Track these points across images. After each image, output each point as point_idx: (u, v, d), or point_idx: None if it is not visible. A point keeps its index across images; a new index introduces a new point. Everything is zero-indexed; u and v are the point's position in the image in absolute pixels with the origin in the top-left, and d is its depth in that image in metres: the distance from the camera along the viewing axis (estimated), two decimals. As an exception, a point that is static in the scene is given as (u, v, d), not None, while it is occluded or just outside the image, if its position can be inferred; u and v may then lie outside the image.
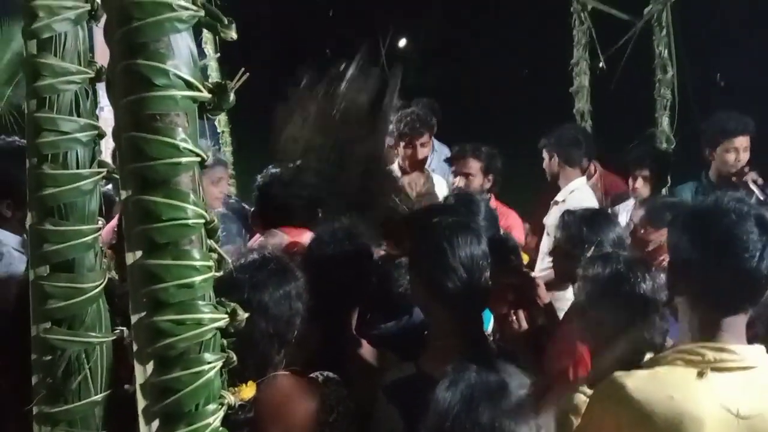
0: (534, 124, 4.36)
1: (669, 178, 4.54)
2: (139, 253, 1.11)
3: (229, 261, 1.23)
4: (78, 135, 1.23)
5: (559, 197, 3.99)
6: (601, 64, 4.94)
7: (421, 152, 3.73)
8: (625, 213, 4.03)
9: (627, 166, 3.98)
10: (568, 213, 2.58)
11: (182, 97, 1.10)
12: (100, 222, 1.27)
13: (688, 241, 1.52)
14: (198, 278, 1.12)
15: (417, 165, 3.76)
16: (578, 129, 4.11)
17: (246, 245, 2.80)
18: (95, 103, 1.31)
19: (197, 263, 1.12)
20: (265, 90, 3.34)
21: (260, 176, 2.65)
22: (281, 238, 2.46)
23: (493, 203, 3.42)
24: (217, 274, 1.19)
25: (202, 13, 1.14)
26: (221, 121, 6.15)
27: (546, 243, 3.95)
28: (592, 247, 2.15)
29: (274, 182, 2.55)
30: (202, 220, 1.14)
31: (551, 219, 3.94)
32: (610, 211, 4.06)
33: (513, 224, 3.51)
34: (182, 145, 1.10)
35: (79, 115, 1.24)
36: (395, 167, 3.80)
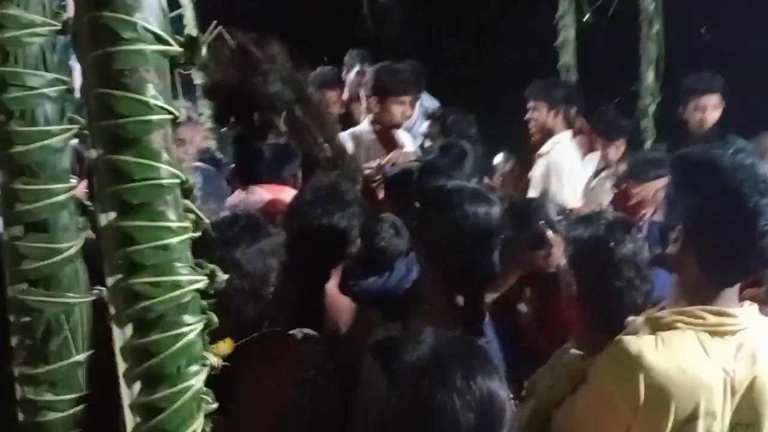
0: (519, 79, 4.31)
1: (653, 131, 4.56)
2: (112, 215, 1.08)
3: (207, 221, 1.20)
4: (45, 90, 1.18)
5: (543, 149, 3.99)
6: (587, 17, 4.87)
7: (400, 110, 3.51)
8: (591, 164, 4.06)
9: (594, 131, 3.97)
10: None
11: (151, 51, 1.06)
12: (73, 180, 1.24)
13: (703, 211, 1.46)
14: (174, 240, 1.09)
15: (395, 124, 3.57)
16: (566, 82, 4.08)
17: (224, 201, 2.77)
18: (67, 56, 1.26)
19: (173, 224, 1.09)
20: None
21: (236, 128, 2.59)
22: (260, 195, 2.42)
23: None
24: (195, 234, 1.16)
25: (170, -39, 1.09)
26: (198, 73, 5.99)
27: (532, 195, 3.96)
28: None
29: (251, 135, 2.49)
30: (177, 180, 1.11)
31: (537, 171, 3.95)
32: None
33: None
34: (153, 101, 1.06)
35: (46, 70, 1.19)
36: (366, 127, 3.64)
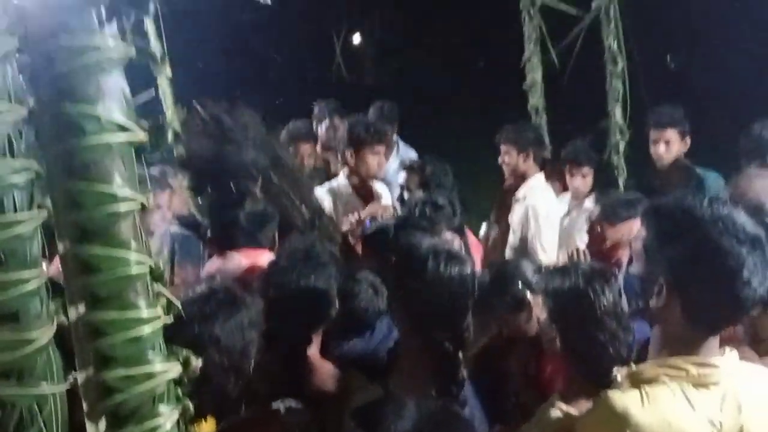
0: (492, 121, 4.39)
1: (624, 168, 4.63)
2: (81, 308, 1.06)
3: (178, 304, 1.18)
4: (13, 178, 1.17)
5: (519, 194, 4.03)
6: (551, 55, 4.97)
7: (375, 162, 3.58)
8: (564, 204, 4.11)
9: (563, 162, 4.03)
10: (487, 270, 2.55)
11: (116, 141, 1.06)
12: (43, 265, 1.22)
13: (686, 264, 1.46)
14: (146, 329, 1.08)
15: (371, 175, 3.62)
16: (535, 126, 4.16)
17: (203, 265, 2.75)
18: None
19: (144, 314, 1.08)
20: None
21: (213, 196, 2.59)
22: (238, 261, 2.40)
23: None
24: (167, 319, 1.15)
25: (133, 51, 1.09)
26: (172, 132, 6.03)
27: (512, 239, 4.00)
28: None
29: (228, 203, 2.49)
30: (147, 268, 1.10)
31: (515, 216, 3.99)
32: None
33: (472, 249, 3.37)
34: (119, 192, 1.05)
35: (13, 156, 1.18)
36: (342, 180, 3.69)
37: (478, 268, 3.19)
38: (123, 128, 1.07)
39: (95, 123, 1.04)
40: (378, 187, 3.82)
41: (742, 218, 1.46)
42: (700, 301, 1.48)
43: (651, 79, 5.08)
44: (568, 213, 4.05)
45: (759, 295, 1.45)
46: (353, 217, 3.21)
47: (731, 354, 1.53)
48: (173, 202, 3.30)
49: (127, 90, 1.11)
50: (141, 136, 1.10)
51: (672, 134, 3.85)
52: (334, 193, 3.64)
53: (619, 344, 1.77)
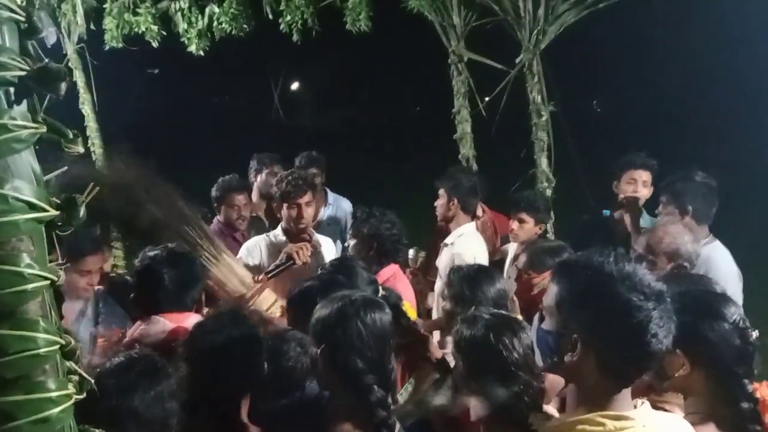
0: (425, 171, 4.47)
1: (552, 213, 4.78)
2: (-15, 391, 1.03)
3: (92, 381, 1.16)
4: None
5: (448, 240, 4.11)
6: (480, 108, 5.14)
7: (306, 212, 3.63)
8: (510, 252, 4.20)
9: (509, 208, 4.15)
10: (453, 271, 2.63)
11: (25, 220, 1.05)
12: None
13: (599, 320, 1.52)
14: (55, 410, 1.05)
15: (302, 226, 3.66)
16: (475, 177, 4.24)
17: (130, 324, 2.68)
18: None
19: (53, 394, 1.05)
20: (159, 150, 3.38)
21: (137, 260, 2.54)
22: (163, 325, 2.34)
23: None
24: (79, 397, 1.12)
25: (44, 129, 1.09)
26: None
27: (439, 285, 4.04)
28: (474, 306, 2.19)
29: (152, 266, 2.45)
30: (57, 346, 1.08)
31: (443, 261, 4.04)
32: (501, 256, 4.21)
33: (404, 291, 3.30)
34: (27, 271, 1.04)
35: None
36: (278, 232, 3.72)
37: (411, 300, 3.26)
38: (32, 206, 1.06)
39: (3, 203, 1.03)
40: (319, 238, 3.86)
41: (645, 274, 1.54)
42: (612, 355, 1.54)
43: (576, 127, 5.29)
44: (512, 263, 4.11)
45: (665, 345, 1.54)
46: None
47: (644, 406, 1.59)
48: (99, 264, 3.25)
49: (38, 167, 1.10)
50: (52, 212, 1.09)
51: (647, 176, 4.02)
52: (270, 245, 3.66)
53: (533, 391, 1.82)
